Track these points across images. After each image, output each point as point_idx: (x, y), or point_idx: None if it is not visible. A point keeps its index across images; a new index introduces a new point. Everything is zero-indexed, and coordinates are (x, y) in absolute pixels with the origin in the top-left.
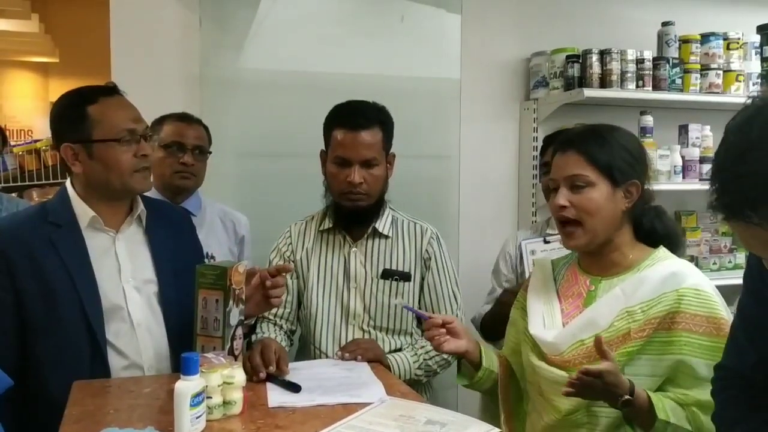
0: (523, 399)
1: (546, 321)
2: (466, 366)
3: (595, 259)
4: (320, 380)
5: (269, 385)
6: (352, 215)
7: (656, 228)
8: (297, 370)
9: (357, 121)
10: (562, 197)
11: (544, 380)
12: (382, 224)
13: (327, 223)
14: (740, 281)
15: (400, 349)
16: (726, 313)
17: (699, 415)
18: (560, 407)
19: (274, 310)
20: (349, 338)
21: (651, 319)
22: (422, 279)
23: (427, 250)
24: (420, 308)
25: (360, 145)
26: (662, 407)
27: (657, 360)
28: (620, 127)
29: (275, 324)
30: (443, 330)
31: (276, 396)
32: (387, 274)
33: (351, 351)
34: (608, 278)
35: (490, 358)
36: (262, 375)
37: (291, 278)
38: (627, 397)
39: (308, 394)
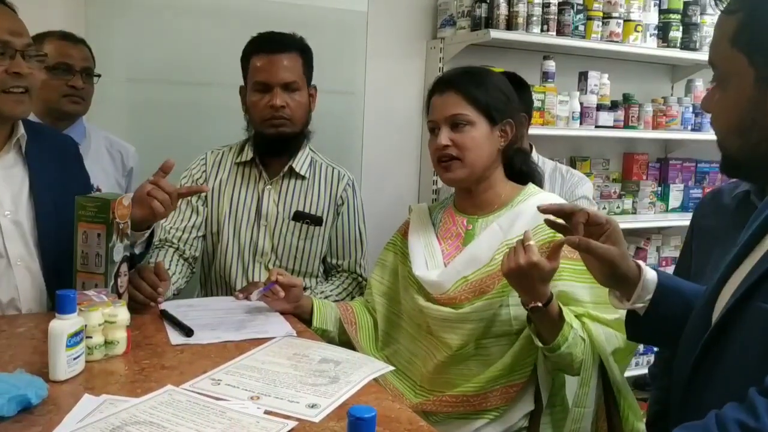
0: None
1: (428, 263)
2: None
3: (471, 199)
4: (221, 317)
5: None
6: (275, 143)
7: (523, 168)
8: (194, 308)
9: (274, 45)
10: (444, 137)
11: (432, 319)
12: (300, 164)
13: (245, 155)
14: (627, 225)
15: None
16: None
17: (589, 324)
18: (451, 343)
19: (177, 234)
20: (256, 276)
21: None
22: (333, 224)
23: (341, 196)
24: (324, 251)
25: (279, 68)
26: (569, 315)
27: None
28: (492, 69)
29: (177, 249)
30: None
31: (177, 334)
32: (298, 216)
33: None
34: (484, 216)
35: (323, 317)
36: (161, 300)
37: (201, 204)
38: (537, 304)
39: (211, 331)
